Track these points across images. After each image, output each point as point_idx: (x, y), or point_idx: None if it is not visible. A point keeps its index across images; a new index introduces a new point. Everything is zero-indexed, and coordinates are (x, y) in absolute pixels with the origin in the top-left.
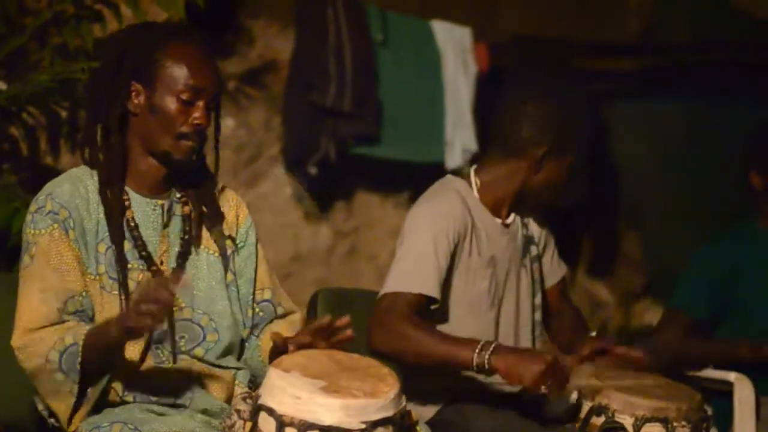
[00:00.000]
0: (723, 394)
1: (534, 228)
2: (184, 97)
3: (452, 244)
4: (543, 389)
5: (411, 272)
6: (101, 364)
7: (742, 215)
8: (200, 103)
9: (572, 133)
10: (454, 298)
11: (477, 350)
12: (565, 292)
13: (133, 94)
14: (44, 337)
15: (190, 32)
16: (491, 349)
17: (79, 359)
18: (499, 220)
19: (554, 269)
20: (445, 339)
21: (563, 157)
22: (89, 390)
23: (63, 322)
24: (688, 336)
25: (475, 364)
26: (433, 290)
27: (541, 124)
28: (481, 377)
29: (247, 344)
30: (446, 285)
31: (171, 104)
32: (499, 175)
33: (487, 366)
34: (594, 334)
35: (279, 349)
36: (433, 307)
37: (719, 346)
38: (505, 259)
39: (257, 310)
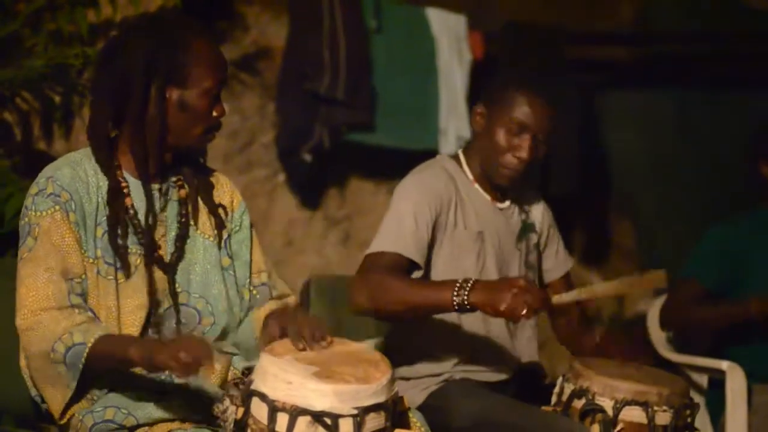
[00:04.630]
0: (716, 383)
1: (536, 217)
2: (213, 93)
3: (433, 213)
4: (523, 313)
5: (390, 234)
6: (104, 369)
7: (736, 203)
8: (220, 96)
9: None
10: (439, 271)
11: (456, 289)
12: (570, 287)
13: (167, 95)
14: (51, 322)
15: (200, 24)
16: (469, 286)
17: (83, 360)
18: (488, 197)
19: (559, 263)
20: (424, 284)
21: (491, 117)
22: (93, 389)
23: (71, 305)
24: (697, 305)
25: (455, 303)
26: (411, 252)
27: (484, 87)
28: (471, 360)
29: (240, 326)
30: (433, 257)
31: (203, 102)
32: (473, 153)
33: (466, 303)
34: (598, 340)
35: (272, 318)
36: (415, 273)
37: (729, 307)
38: (496, 237)
39: (254, 292)
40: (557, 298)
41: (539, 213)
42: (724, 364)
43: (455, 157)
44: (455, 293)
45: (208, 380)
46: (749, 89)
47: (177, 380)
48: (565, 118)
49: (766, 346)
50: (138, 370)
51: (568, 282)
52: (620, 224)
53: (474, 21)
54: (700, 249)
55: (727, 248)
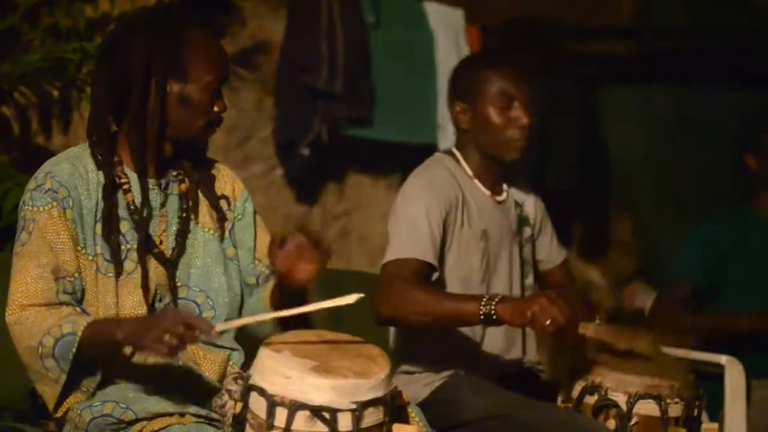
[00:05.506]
0: (714, 377)
1: (530, 209)
2: (214, 87)
3: (443, 213)
4: (548, 324)
5: (407, 240)
6: (95, 358)
7: (734, 198)
8: (221, 91)
9: (471, 80)
10: (447, 271)
11: (483, 302)
12: (569, 275)
13: (168, 89)
14: (38, 318)
15: (201, 19)
16: (497, 299)
17: (74, 350)
18: (488, 192)
19: (553, 252)
20: (449, 296)
21: (475, 105)
22: (85, 380)
23: (59, 303)
24: (686, 306)
25: (482, 315)
26: (429, 256)
27: (453, 82)
28: (474, 356)
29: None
30: (440, 258)
31: (203, 96)
32: (468, 149)
33: (494, 315)
34: (598, 322)
35: (280, 286)
36: (434, 276)
37: (719, 317)
38: (498, 234)
39: (264, 270)
40: (582, 328)
41: (532, 204)
42: (722, 359)
43: (451, 155)
44: (482, 306)
45: (208, 375)
46: (749, 85)
47: (176, 363)
48: (564, 113)
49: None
50: (138, 360)
51: (566, 271)
52: (619, 219)
53: (472, 15)
54: (686, 249)
55: (712, 246)
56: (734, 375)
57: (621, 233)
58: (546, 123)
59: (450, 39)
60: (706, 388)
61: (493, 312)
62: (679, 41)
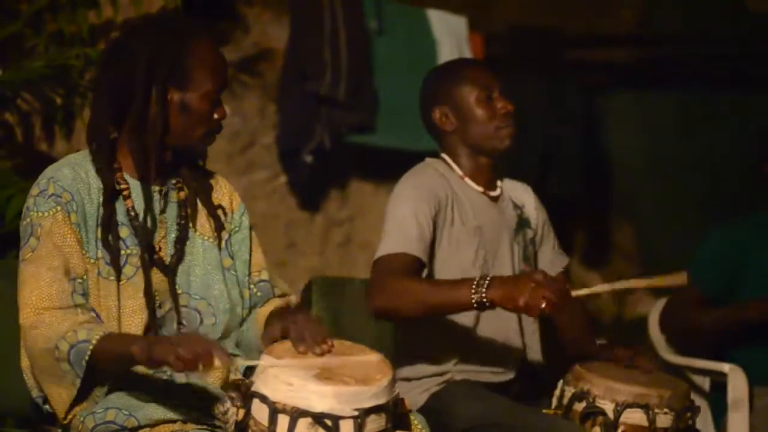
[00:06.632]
0: (719, 385)
1: (531, 213)
2: (214, 96)
3: (432, 210)
4: (543, 306)
5: (396, 237)
6: (106, 368)
7: (736, 204)
8: (221, 99)
9: (443, 83)
10: (441, 268)
11: (473, 288)
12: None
13: (168, 96)
14: (55, 321)
15: (203, 27)
16: (486, 283)
17: (86, 357)
18: (481, 189)
19: (554, 259)
20: (441, 284)
21: (456, 104)
22: (97, 388)
23: (75, 305)
24: (698, 310)
25: (474, 301)
26: (419, 251)
27: (426, 92)
28: (473, 361)
29: (244, 322)
30: (432, 256)
31: (203, 105)
32: (456, 151)
33: (485, 300)
34: (600, 342)
35: (275, 318)
36: (423, 273)
37: (728, 312)
38: (494, 230)
39: (255, 290)
40: (576, 292)
41: (533, 209)
42: (725, 367)
43: (440, 159)
44: (473, 291)
45: (209, 380)
46: (749, 91)
47: (179, 379)
48: (566, 120)
49: None
50: (141, 369)
51: (565, 278)
52: (621, 226)
53: (475, 22)
54: (700, 255)
55: (726, 254)
56: (737, 383)
57: (623, 240)
58: (548, 130)
59: (453, 46)
60: (711, 396)
61: (485, 299)
62: (681, 48)
